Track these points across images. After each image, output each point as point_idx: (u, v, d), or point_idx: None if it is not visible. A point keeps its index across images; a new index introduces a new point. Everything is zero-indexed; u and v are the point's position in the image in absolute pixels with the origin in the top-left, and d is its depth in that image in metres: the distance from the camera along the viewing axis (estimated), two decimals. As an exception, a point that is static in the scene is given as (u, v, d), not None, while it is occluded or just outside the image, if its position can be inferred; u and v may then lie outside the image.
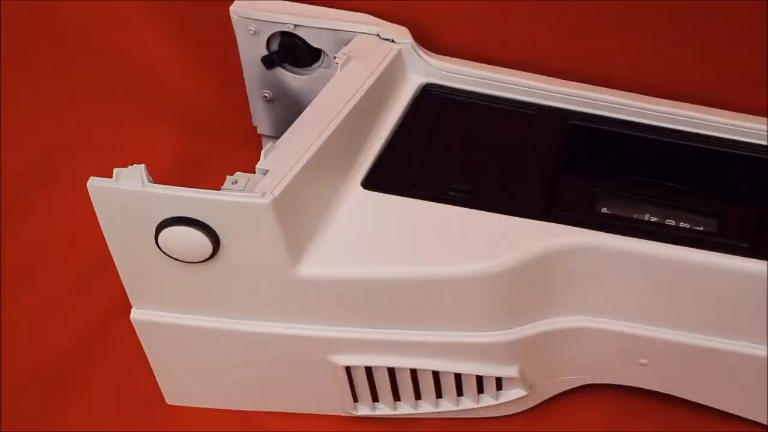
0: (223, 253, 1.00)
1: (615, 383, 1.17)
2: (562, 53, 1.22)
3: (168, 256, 1.00)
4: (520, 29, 1.22)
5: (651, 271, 1.05)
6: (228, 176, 1.01)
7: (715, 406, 1.16)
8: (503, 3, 1.19)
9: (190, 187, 0.97)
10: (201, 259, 1.00)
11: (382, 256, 1.04)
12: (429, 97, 1.18)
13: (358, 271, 1.03)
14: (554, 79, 1.19)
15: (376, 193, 1.09)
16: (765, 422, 1.15)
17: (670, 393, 1.16)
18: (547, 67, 1.21)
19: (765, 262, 1.03)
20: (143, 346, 1.12)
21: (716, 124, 1.14)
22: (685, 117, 1.15)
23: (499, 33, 1.22)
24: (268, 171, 1.00)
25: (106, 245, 1.02)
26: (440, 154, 1.13)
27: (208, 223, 0.98)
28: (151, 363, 1.13)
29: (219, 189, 0.99)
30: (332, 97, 1.10)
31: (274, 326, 1.08)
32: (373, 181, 1.10)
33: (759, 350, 1.08)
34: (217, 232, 0.98)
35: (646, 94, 1.17)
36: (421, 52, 1.18)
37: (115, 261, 1.03)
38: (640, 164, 1.15)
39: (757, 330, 1.06)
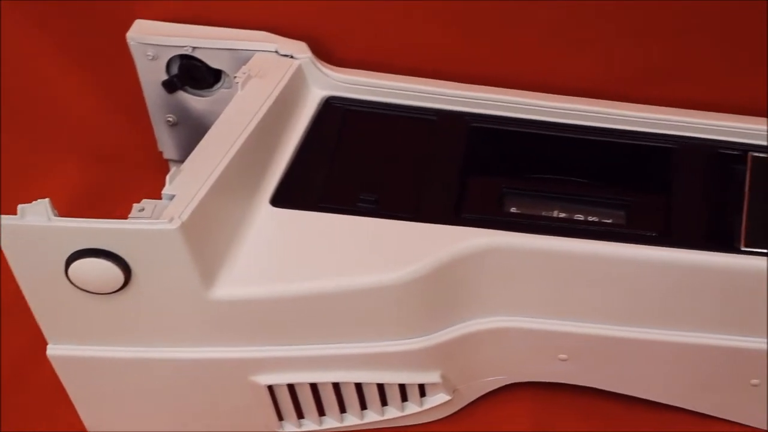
0: (136, 282, 1.01)
1: (537, 380, 1.19)
2: (462, 56, 1.24)
3: (80, 289, 1.01)
4: (418, 35, 1.24)
5: (563, 266, 1.07)
6: (135, 204, 1.01)
7: (636, 395, 1.18)
8: (399, 11, 1.20)
9: (98, 217, 0.97)
10: (113, 290, 1.01)
11: (295, 273, 1.05)
12: (332, 109, 1.20)
13: (273, 290, 1.04)
14: (454, 83, 1.21)
15: (286, 210, 1.10)
16: (686, 406, 1.18)
17: (592, 385, 1.19)
18: (448, 72, 1.23)
19: (674, 249, 1.05)
20: (62, 380, 1.12)
21: (618, 117, 1.17)
22: (587, 112, 1.17)
23: (398, 41, 1.24)
24: (174, 196, 1.01)
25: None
26: (346, 166, 1.15)
27: (117, 253, 0.98)
28: (70, 395, 1.13)
29: (127, 218, 0.99)
30: (234, 116, 1.11)
31: (193, 351, 1.09)
32: (281, 198, 1.11)
33: (672, 336, 1.11)
34: (128, 261, 0.99)
35: (547, 92, 1.19)
36: (320, 66, 1.20)
37: (26, 298, 1.03)
38: (546, 162, 1.17)
39: (670, 317, 1.10)
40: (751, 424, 1.18)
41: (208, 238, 1.01)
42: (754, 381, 1.13)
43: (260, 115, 1.10)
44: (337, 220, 1.09)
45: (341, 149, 1.16)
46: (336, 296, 1.04)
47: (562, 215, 1.11)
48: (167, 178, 1.03)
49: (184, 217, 0.97)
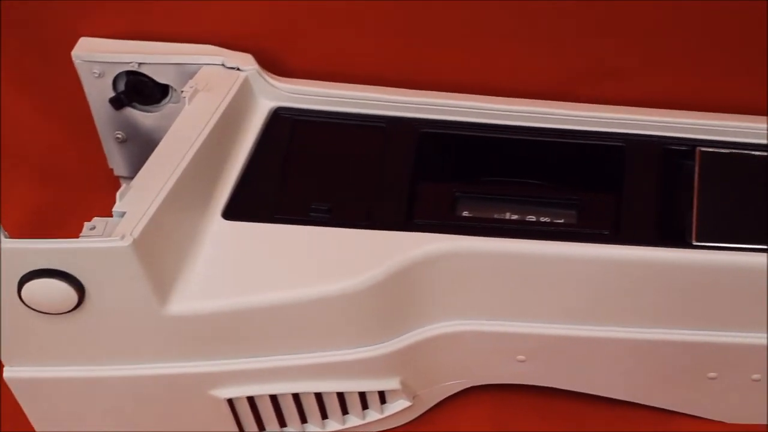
0: (90, 301, 1.02)
1: (496, 383, 1.20)
2: (410, 62, 1.25)
3: (34, 310, 1.01)
4: (366, 43, 1.25)
5: (516, 268, 1.08)
6: (86, 223, 1.01)
7: (595, 393, 1.20)
8: (345, 19, 1.21)
9: (51, 237, 0.98)
10: (68, 310, 1.02)
11: (250, 285, 1.06)
12: (280, 120, 1.21)
13: (228, 303, 1.05)
14: (403, 89, 1.22)
15: (238, 223, 1.11)
16: (645, 402, 1.20)
17: (551, 385, 1.20)
18: (398, 79, 1.24)
19: (626, 246, 1.07)
20: (20, 403, 1.12)
21: (567, 117, 1.19)
22: (535, 113, 1.19)
23: (346, 49, 1.25)
24: (125, 213, 1.01)
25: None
26: (297, 176, 1.16)
27: (70, 273, 0.99)
28: (29, 417, 1.14)
29: (79, 237, 0.99)
30: (183, 131, 1.12)
31: (151, 368, 1.09)
32: (233, 211, 1.12)
33: (628, 333, 1.12)
34: (81, 280, 1.00)
35: (496, 95, 1.20)
36: (267, 77, 1.20)
37: (-21, 321, 1.03)
38: (497, 164, 1.19)
39: (625, 314, 1.11)
40: (709, 417, 1.20)
41: (161, 254, 1.02)
42: (711, 374, 1.14)
43: (208, 128, 1.11)
44: (290, 231, 1.09)
45: (291, 160, 1.17)
46: (291, 307, 1.05)
47: (514, 217, 1.12)
48: (117, 195, 1.03)
49: (136, 233, 0.98)
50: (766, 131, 1.16)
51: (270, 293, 1.05)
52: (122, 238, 0.97)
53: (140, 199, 1.02)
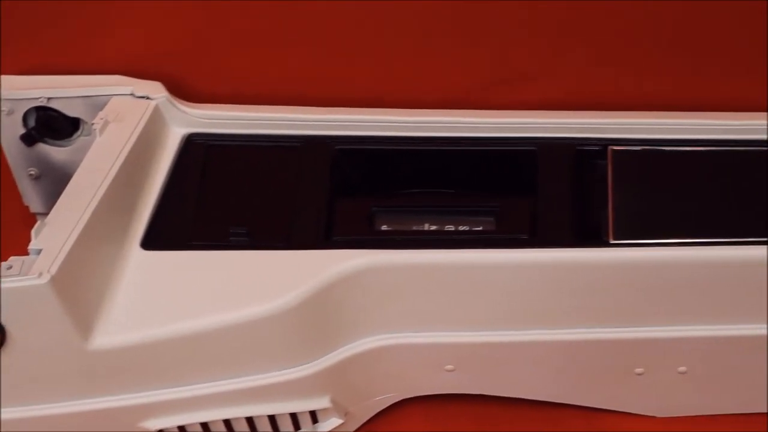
0: (12, 342, 1.02)
1: (427, 394, 1.22)
2: (320, 80, 1.26)
3: (-45, 354, 1.01)
4: (274, 63, 1.26)
5: (438, 278, 1.10)
6: (2, 263, 1.01)
7: (525, 397, 1.22)
8: (252, 41, 1.22)
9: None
10: (-10, 352, 1.01)
11: (172, 314, 1.07)
12: (194, 147, 1.22)
13: (152, 333, 1.06)
14: (315, 108, 1.23)
15: (157, 252, 1.12)
16: (575, 402, 1.22)
17: (481, 392, 1.22)
18: (311, 97, 1.25)
19: (545, 249, 1.10)
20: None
21: (478, 125, 1.21)
22: (447, 123, 1.21)
23: (254, 71, 1.26)
24: (41, 250, 1.02)
25: None
26: (214, 201, 1.17)
27: (-10, 314, 0.98)
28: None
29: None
30: (95, 163, 1.13)
31: (80, 404, 1.10)
32: (152, 241, 1.12)
33: (553, 335, 1.15)
34: (1, 321, 1.00)
35: (406, 107, 1.22)
36: (178, 104, 1.21)
37: None
38: (413, 176, 1.21)
39: (549, 316, 1.14)
40: (640, 413, 1.22)
41: (80, 289, 1.02)
42: (639, 370, 1.16)
43: (121, 159, 1.11)
44: (209, 257, 1.10)
45: (207, 185, 1.17)
46: (215, 333, 1.06)
47: (433, 227, 1.14)
48: (32, 232, 1.04)
49: (53, 270, 0.98)
50: (675, 127, 1.17)
51: (193, 321, 1.06)
52: (39, 275, 0.97)
53: (56, 235, 1.03)
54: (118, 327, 1.06)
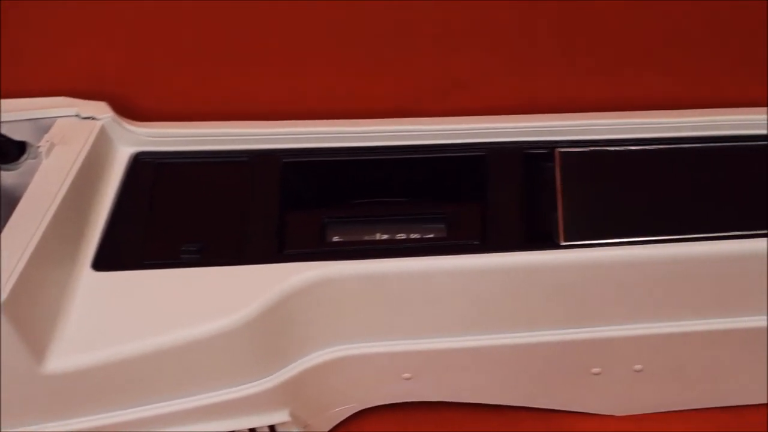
0: (-35, 369, 1.01)
1: (385, 403, 1.22)
2: (265, 94, 1.26)
3: None
4: (222, 78, 1.26)
5: (391, 287, 1.11)
6: (-47, 290, 1.01)
7: (483, 402, 1.23)
8: (193, 57, 1.23)
9: None
10: (-58, 380, 1.01)
11: (126, 334, 1.07)
12: (142, 165, 1.22)
13: (106, 354, 1.06)
14: (263, 122, 1.24)
15: (109, 273, 1.12)
16: (533, 405, 1.24)
17: (440, 399, 1.22)
18: (258, 111, 1.25)
19: (496, 254, 1.11)
20: None
21: (426, 132, 1.21)
22: (395, 132, 1.22)
23: (203, 87, 1.26)
24: (-9, 275, 1.01)
25: None
26: (165, 219, 1.17)
27: (-60, 342, 0.98)
28: None
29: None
30: (42, 186, 1.12)
31: (34, 429, 1.10)
32: (103, 262, 1.12)
33: (508, 339, 1.16)
34: (-48, 347, 0.99)
35: (353, 117, 1.22)
36: (124, 124, 1.21)
37: None
38: (363, 187, 1.21)
39: (503, 320, 1.15)
40: (599, 412, 1.23)
41: (32, 313, 1.02)
42: (595, 370, 1.17)
43: (68, 181, 1.11)
44: (162, 276, 1.10)
45: (157, 203, 1.18)
46: (170, 352, 1.06)
47: (385, 237, 1.14)
48: (-19, 257, 1.03)
49: (4, 295, 0.98)
50: (622, 127, 1.18)
51: (147, 340, 1.06)
52: (-10, 300, 0.96)
53: (5, 259, 1.03)
54: (72, 349, 1.05)
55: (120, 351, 1.06)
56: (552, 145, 1.18)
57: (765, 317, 1.14)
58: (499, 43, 1.21)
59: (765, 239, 1.10)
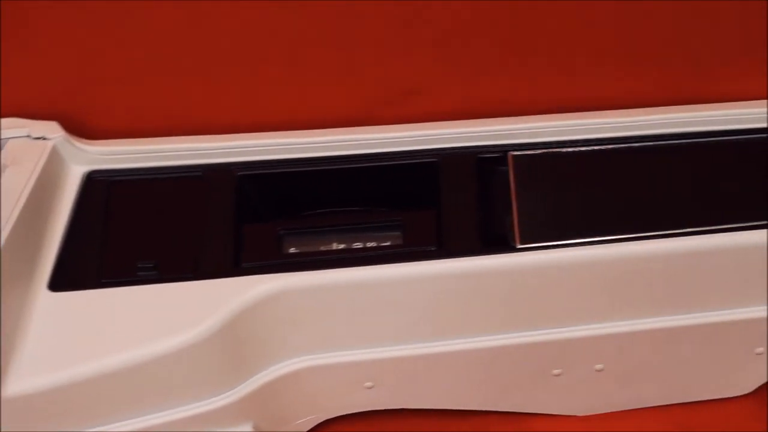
0: None
1: (348, 413, 1.23)
2: (217, 107, 1.26)
3: None
4: (172, 94, 1.26)
5: (349, 296, 1.12)
6: None
7: (446, 407, 1.24)
8: (141, 73, 1.23)
9: None
10: None
11: (85, 354, 1.07)
12: (95, 184, 1.21)
13: (66, 375, 1.06)
14: (216, 135, 1.24)
15: (65, 293, 1.11)
16: (497, 408, 1.25)
17: (403, 407, 1.23)
18: (210, 124, 1.25)
19: (453, 259, 1.11)
20: None
21: (379, 141, 1.22)
22: (348, 141, 1.22)
23: (150, 103, 1.26)
24: (-55, 299, 1.00)
25: None
26: (120, 237, 1.17)
27: None
28: None
29: None
30: (-5, 209, 1.11)
31: (-3, 452, 1.08)
32: (59, 282, 1.12)
33: (468, 344, 1.17)
34: None
35: (305, 128, 1.23)
36: (76, 143, 1.21)
37: None
38: (318, 197, 1.22)
39: (461, 326, 1.16)
40: (561, 413, 1.23)
41: (-11, 336, 1.01)
42: (556, 371, 1.18)
43: (21, 202, 1.11)
44: (119, 294, 1.11)
45: (112, 221, 1.18)
46: (130, 370, 1.06)
47: (341, 246, 1.15)
48: (-66, 282, 1.02)
49: (-41, 319, 0.97)
50: (574, 128, 1.19)
51: (106, 360, 1.06)
52: (-55, 326, 0.96)
53: (-40, 283, 1.01)
54: (30, 372, 1.05)
55: (80, 371, 1.06)
56: (505, 148, 1.19)
57: (721, 312, 1.14)
58: (450, 48, 1.21)
59: (718, 234, 1.10)
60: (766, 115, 1.20)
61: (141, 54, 1.21)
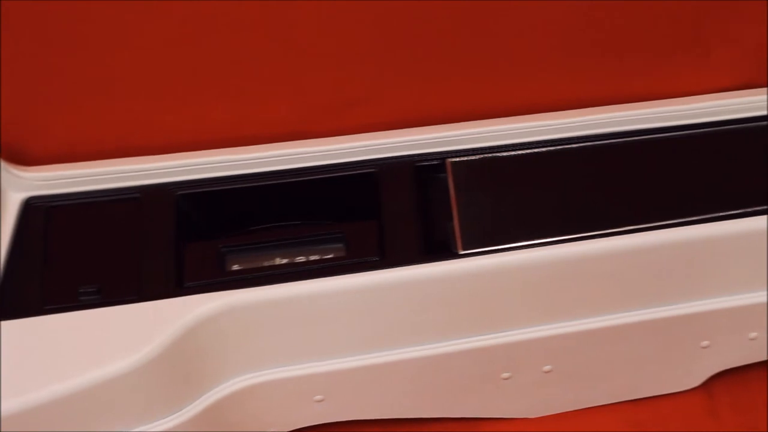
0: None
1: (299, 427, 1.23)
2: (154, 128, 1.26)
3: None
4: (107, 116, 1.25)
5: (292, 311, 1.12)
6: None
7: (397, 416, 1.24)
8: (75, 96, 1.23)
9: None
10: None
11: (31, 381, 1.07)
12: (34, 210, 1.21)
13: (11, 405, 1.05)
14: (154, 156, 1.24)
15: (8, 321, 1.11)
16: (450, 415, 1.26)
17: (355, 418, 1.24)
18: (149, 145, 1.25)
19: (396, 269, 1.13)
20: None
21: (317, 154, 1.23)
22: (285, 155, 1.23)
23: (89, 126, 1.26)
24: None
25: None
26: (61, 263, 1.16)
27: None
28: None
29: None
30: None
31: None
32: (1, 310, 1.11)
33: (415, 352, 1.18)
34: None
35: (241, 144, 1.23)
36: (13, 169, 1.20)
37: None
38: (260, 213, 1.22)
39: (407, 334, 1.17)
40: (513, 416, 1.24)
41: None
42: (505, 375, 1.19)
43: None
44: (61, 320, 1.10)
45: (53, 247, 1.17)
46: (77, 396, 1.06)
47: (284, 261, 1.15)
48: None
49: None
50: (510, 132, 1.20)
51: (52, 387, 1.06)
52: None
53: None
54: (-25, 403, 1.03)
55: (26, 399, 1.06)
56: (443, 155, 1.20)
57: (664, 308, 1.16)
58: (387, 57, 1.21)
59: (656, 231, 1.11)
60: (693, 112, 1.21)
61: (75, 78, 1.21)
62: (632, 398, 1.27)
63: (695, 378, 1.27)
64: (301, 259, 1.15)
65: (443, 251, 1.14)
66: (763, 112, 1.22)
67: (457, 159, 1.19)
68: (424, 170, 1.20)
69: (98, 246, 1.18)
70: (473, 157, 1.19)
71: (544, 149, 1.20)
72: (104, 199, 1.21)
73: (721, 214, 1.14)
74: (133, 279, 1.13)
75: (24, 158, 1.25)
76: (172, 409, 1.13)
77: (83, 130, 1.26)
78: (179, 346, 1.08)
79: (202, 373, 1.13)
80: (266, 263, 1.15)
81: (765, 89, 1.23)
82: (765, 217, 1.14)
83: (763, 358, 1.25)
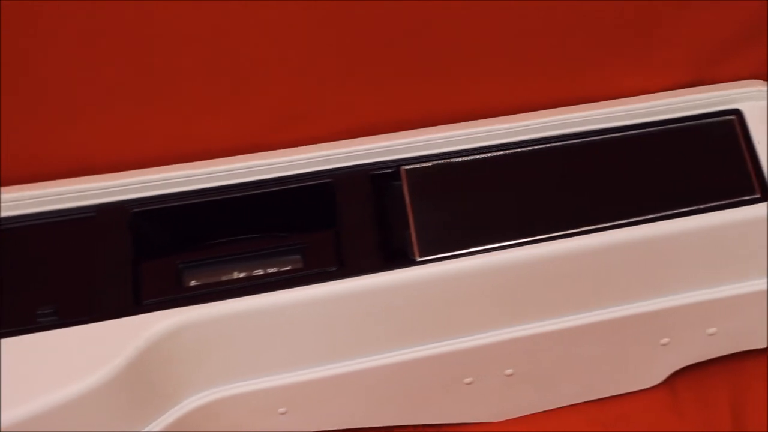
0: None
1: (265, 440, 1.22)
2: (108, 145, 1.26)
3: None
4: (57, 136, 1.25)
5: (251, 324, 1.13)
6: None
7: (363, 426, 1.25)
8: (15, 116, 1.22)
9: None
10: None
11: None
12: (-13, 233, 1.19)
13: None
14: (107, 174, 1.23)
15: (-36, 347, 1.09)
16: (415, 422, 1.27)
17: (320, 429, 1.24)
18: (103, 163, 1.25)
19: (355, 278, 1.13)
20: None
21: (270, 166, 1.22)
22: (241, 169, 1.23)
23: (39, 148, 1.25)
24: None
25: None
26: (17, 285, 1.16)
27: None
28: None
29: None
30: None
31: None
32: (-43, 336, 1.10)
33: (377, 361, 1.18)
34: None
35: (193, 159, 1.23)
36: (-36, 194, 1.19)
37: None
38: (217, 227, 1.22)
39: (369, 343, 1.17)
40: (478, 421, 1.25)
41: None
42: (467, 380, 1.19)
43: None
44: (18, 343, 1.10)
45: (7, 270, 1.17)
46: (37, 420, 1.06)
47: (242, 275, 1.15)
48: None
49: None
50: (464, 137, 1.21)
51: (12, 411, 1.06)
52: None
53: None
54: (-65, 429, 1.02)
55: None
56: (398, 163, 1.20)
57: (622, 307, 1.16)
58: (334, 67, 1.21)
59: (609, 231, 1.12)
60: (640, 111, 1.23)
61: (24, 98, 1.20)
62: (596, 398, 1.27)
63: (657, 375, 1.28)
64: (259, 272, 1.15)
65: (401, 259, 1.13)
66: (708, 110, 1.22)
67: (412, 166, 1.19)
68: (379, 179, 1.20)
69: (54, 267, 1.18)
70: (428, 164, 1.20)
71: (497, 153, 1.21)
72: (59, 219, 1.21)
73: (674, 212, 1.14)
74: (90, 299, 1.13)
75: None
76: (137, 427, 1.13)
77: (35, 151, 1.24)
78: (139, 364, 1.08)
79: (164, 391, 1.13)
80: (224, 277, 1.15)
81: (710, 86, 1.24)
82: (718, 212, 1.14)
83: (723, 353, 1.26)
